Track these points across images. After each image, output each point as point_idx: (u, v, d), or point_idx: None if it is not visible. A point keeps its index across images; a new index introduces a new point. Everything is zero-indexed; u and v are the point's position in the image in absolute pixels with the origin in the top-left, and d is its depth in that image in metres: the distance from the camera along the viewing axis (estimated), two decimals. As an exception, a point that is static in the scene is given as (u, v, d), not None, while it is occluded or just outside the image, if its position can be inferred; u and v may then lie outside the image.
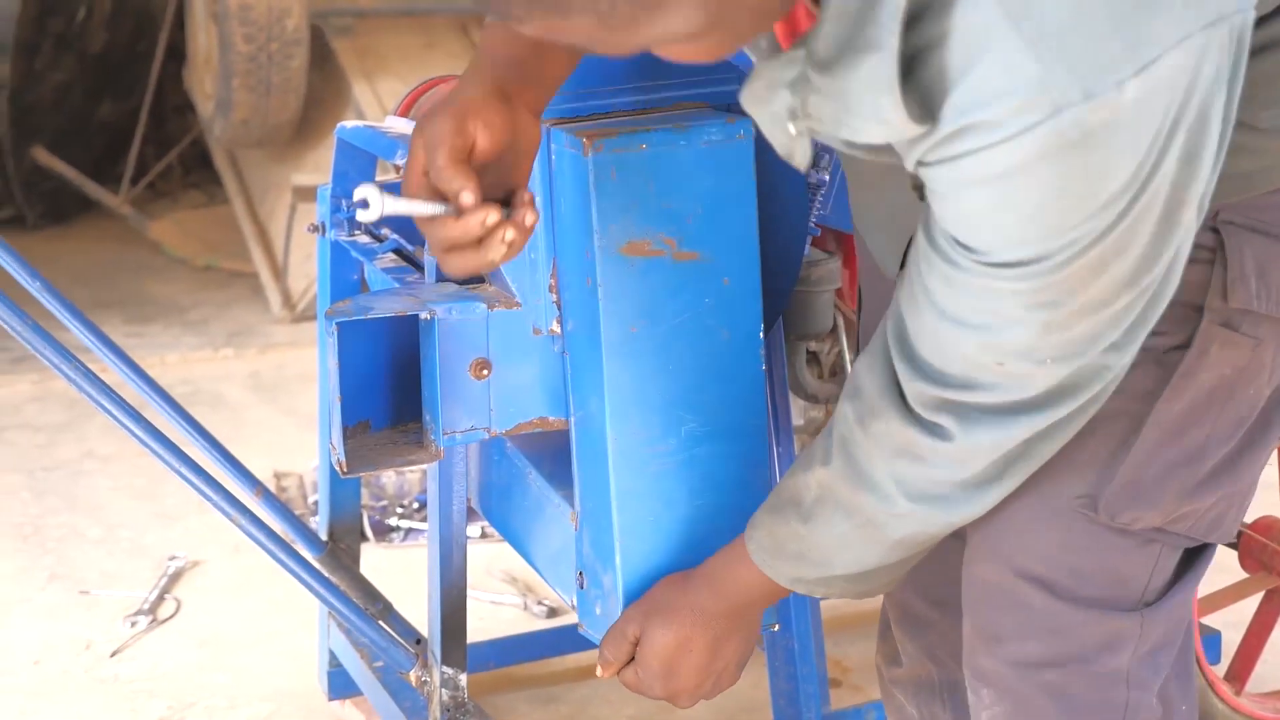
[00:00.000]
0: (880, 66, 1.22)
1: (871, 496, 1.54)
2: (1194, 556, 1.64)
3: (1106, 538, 1.56)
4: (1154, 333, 1.48)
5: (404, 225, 2.29)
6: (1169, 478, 1.55)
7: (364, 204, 1.50)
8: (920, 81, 1.23)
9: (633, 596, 1.82)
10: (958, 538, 1.67)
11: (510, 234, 1.49)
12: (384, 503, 3.59)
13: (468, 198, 1.48)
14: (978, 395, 1.42)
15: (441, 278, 1.94)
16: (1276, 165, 1.47)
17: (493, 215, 1.48)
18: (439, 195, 1.51)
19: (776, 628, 1.97)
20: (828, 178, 2.11)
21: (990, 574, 1.61)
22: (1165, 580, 1.61)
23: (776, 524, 1.65)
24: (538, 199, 1.82)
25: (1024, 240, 1.29)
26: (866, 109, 1.25)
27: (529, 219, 1.51)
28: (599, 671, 1.81)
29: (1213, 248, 1.49)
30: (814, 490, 1.59)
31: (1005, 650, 1.60)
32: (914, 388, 1.46)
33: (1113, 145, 1.22)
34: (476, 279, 1.93)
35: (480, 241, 1.50)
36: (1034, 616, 1.59)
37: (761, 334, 1.84)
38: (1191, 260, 1.45)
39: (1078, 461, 1.54)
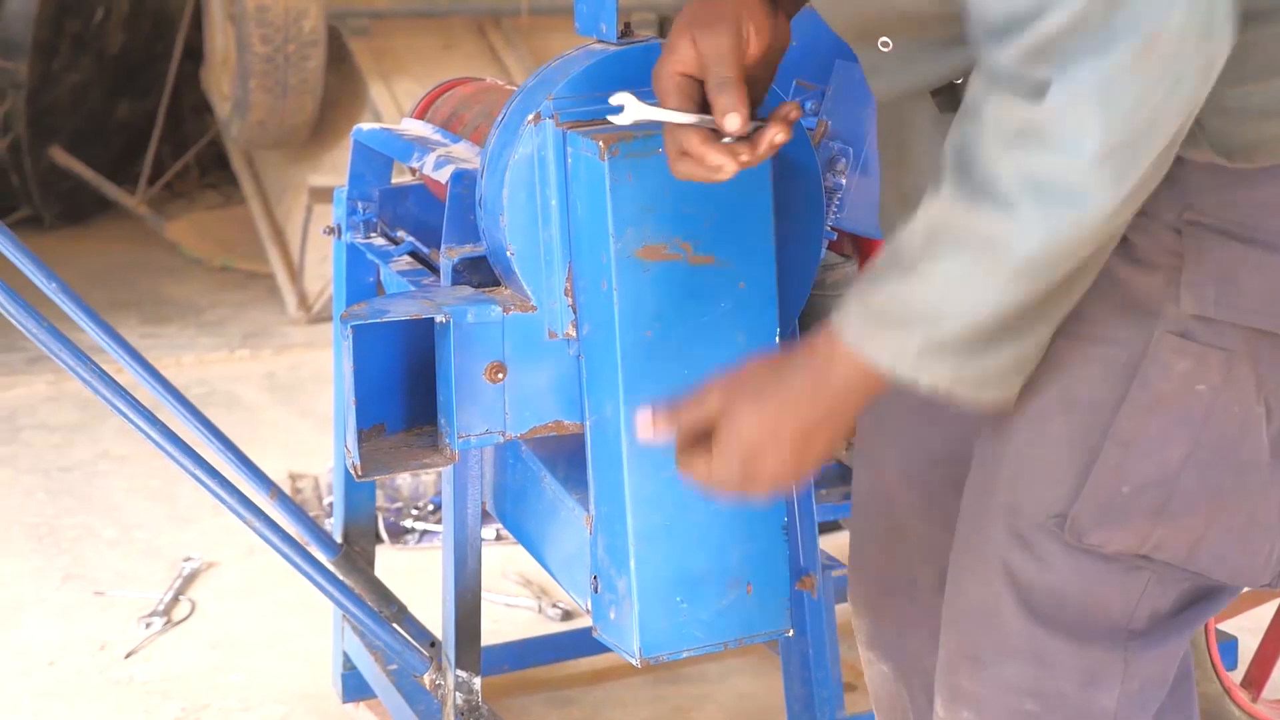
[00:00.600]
0: None
1: (990, 207, 1.35)
2: (1204, 597, 1.54)
3: (1084, 562, 1.49)
4: (1112, 342, 1.45)
5: (419, 228, 2.29)
6: (1139, 497, 1.47)
7: (619, 109, 1.50)
8: None
9: (647, 600, 1.82)
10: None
11: (745, 157, 1.50)
12: (399, 505, 3.59)
13: (734, 121, 1.49)
14: (1052, 18, 1.28)
15: (457, 281, 1.94)
16: (1258, 143, 1.39)
17: (745, 154, 1.50)
18: (690, 96, 1.53)
19: (791, 633, 1.97)
20: (844, 181, 2.11)
21: (972, 589, 1.56)
22: (1158, 614, 1.52)
23: (873, 293, 1.44)
24: (553, 202, 1.82)
25: None
26: None
27: (780, 137, 1.51)
28: (640, 430, 1.57)
29: (1176, 252, 1.43)
30: (920, 234, 1.41)
31: (987, 673, 1.55)
32: (1002, 55, 1.32)
33: None
34: (492, 282, 1.93)
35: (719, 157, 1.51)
36: (1013, 639, 1.53)
37: (777, 338, 1.83)
38: (1150, 264, 1.43)
39: (1052, 479, 1.49)
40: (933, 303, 1.41)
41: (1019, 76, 1.32)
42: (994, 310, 1.39)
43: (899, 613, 1.78)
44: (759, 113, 1.57)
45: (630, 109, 1.50)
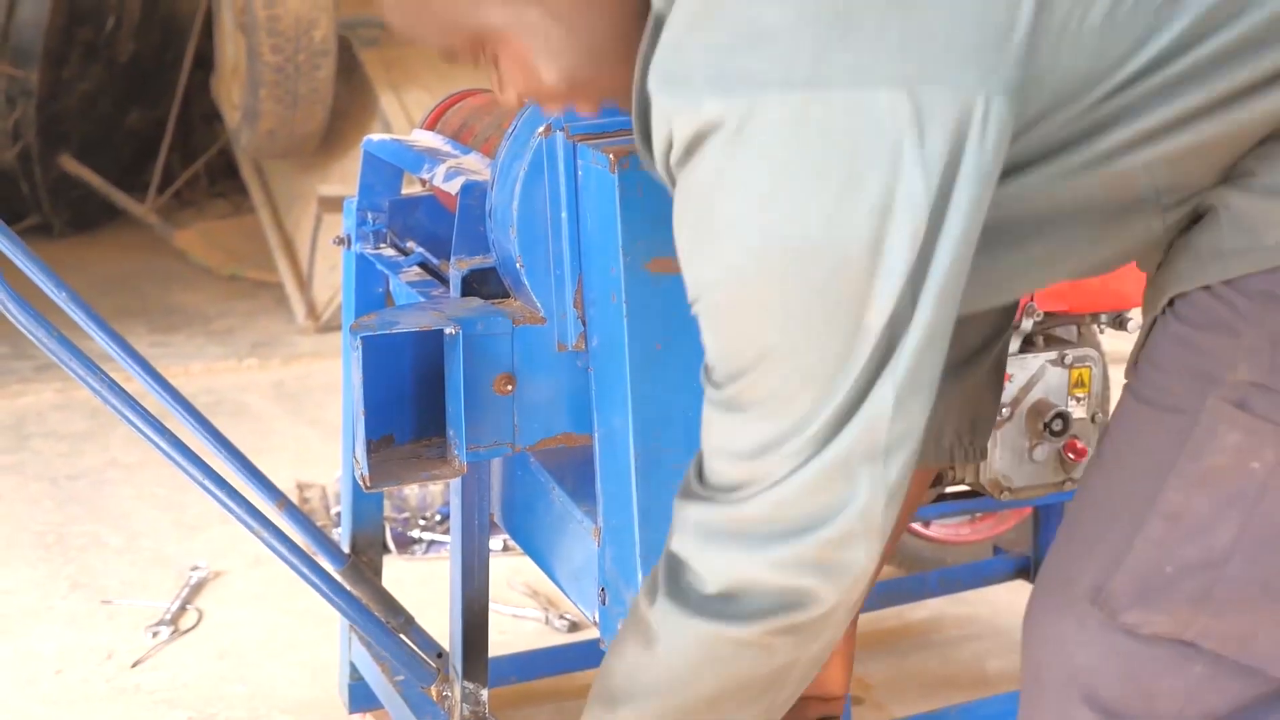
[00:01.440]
0: None
1: (645, 597, 1.51)
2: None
3: (1121, 642, 1.41)
4: (1176, 408, 1.38)
5: (429, 239, 2.29)
6: (1182, 579, 1.37)
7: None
8: None
9: (655, 613, 1.82)
10: None
11: None
12: (406, 515, 3.59)
13: None
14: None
15: (466, 292, 1.93)
16: None
17: None
18: None
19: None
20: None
21: (1026, 670, 1.50)
22: (1213, 712, 1.40)
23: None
24: (563, 214, 1.82)
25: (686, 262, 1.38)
26: None
27: None
28: None
29: (1243, 315, 1.34)
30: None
31: None
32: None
33: (702, 159, 1.29)
34: (501, 294, 1.93)
35: None
36: (1051, 715, 1.46)
37: (787, 351, 1.83)
38: (1221, 328, 1.36)
39: (1095, 548, 1.42)
40: (616, 683, 1.53)
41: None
42: (658, 707, 1.50)
43: None
44: None
45: None
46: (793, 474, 1.35)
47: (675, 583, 1.46)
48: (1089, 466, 1.50)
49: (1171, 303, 1.41)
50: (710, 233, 1.32)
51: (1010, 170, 1.35)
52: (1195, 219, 1.41)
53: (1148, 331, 1.45)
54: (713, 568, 1.43)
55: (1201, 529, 1.37)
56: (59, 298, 2.15)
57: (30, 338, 2.07)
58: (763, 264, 1.30)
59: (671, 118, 1.31)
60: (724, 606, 1.42)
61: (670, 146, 1.32)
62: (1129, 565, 1.39)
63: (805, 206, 1.26)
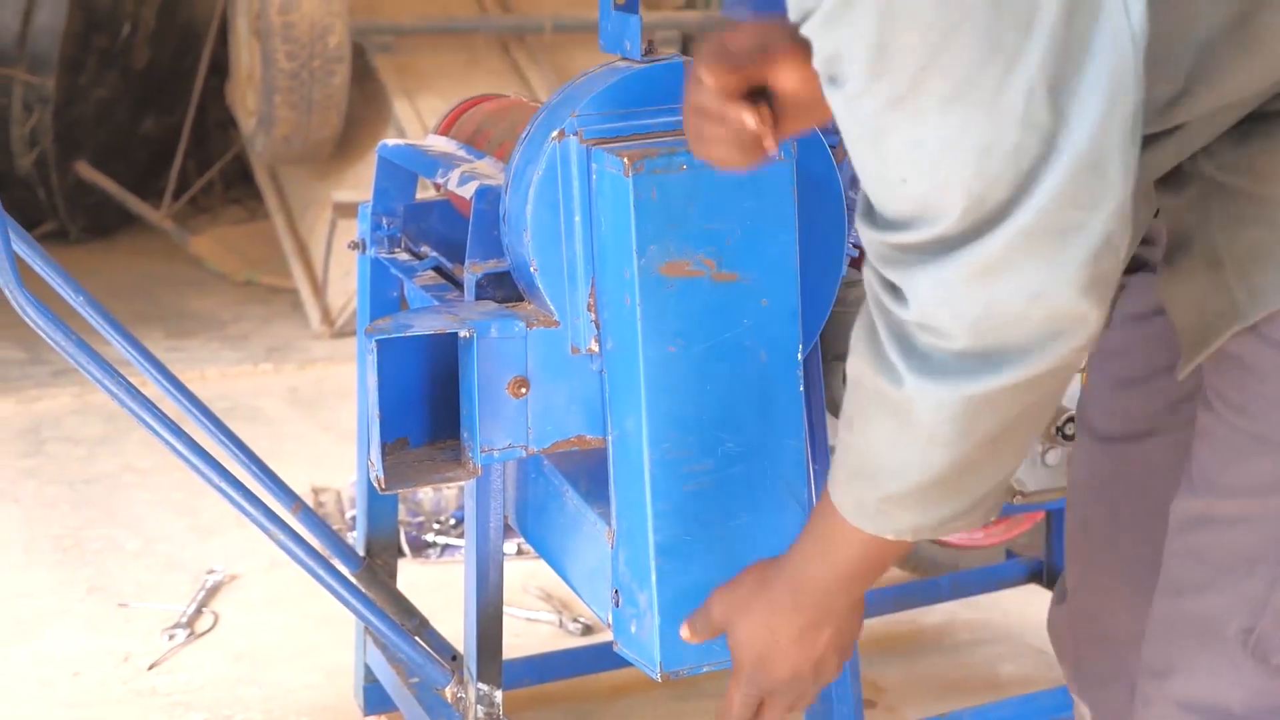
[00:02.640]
0: None
1: (884, 378, 1.31)
2: None
3: (1275, 687, 1.36)
4: None
5: (443, 243, 2.30)
6: None
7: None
8: None
9: (668, 615, 1.82)
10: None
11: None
12: (421, 519, 3.60)
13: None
14: (906, 234, 1.24)
15: (480, 296, 1.95)
16: None
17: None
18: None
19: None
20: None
21: (1158, 713, 1.44)
22: None
23: (838, 447, 1.43)
24: (576, 218, 1.83)
25: None
26: None
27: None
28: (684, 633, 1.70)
29: None
30: (850, 388, 1.38)
31: None
32: (871, 240, 1.29)
33: None
34: (515, 297, 1.94)
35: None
36: None
37: (799, 354, 1.84)
38: None
39: (1243, 588, 1.36)
40: (872, 457, 1.37)
41: (882, 275, 1.28)
42: (925, 475, 1.34)
43: (1102, 666, 1.72)
44: None
45: None
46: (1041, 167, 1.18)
47: (912, 352, 1.29)
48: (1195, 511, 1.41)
49: (1255, 326, 1.32)
50: None
51: None
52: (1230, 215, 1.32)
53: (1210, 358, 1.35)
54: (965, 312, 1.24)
55: None
56: (77, 302, 2.16)
57: (49, 341, 2.08)
58: None
59: None
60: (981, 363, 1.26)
61: None
62: (1275, 605, 1.34)
63: None
